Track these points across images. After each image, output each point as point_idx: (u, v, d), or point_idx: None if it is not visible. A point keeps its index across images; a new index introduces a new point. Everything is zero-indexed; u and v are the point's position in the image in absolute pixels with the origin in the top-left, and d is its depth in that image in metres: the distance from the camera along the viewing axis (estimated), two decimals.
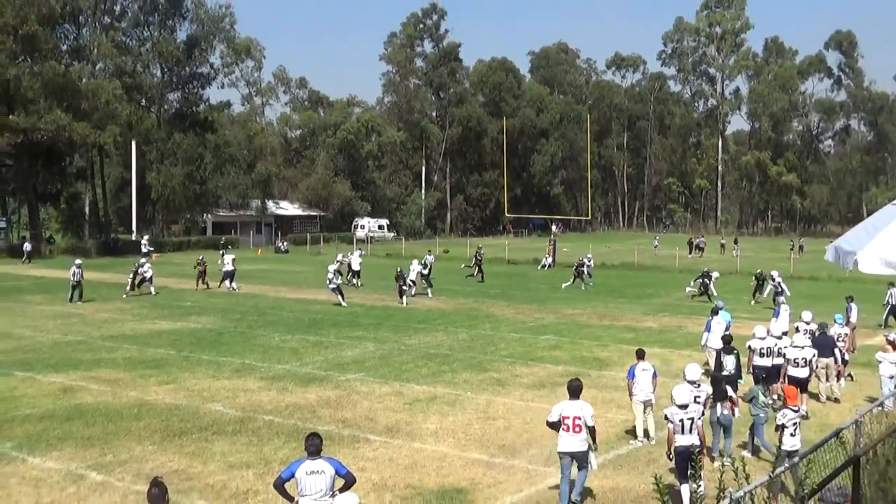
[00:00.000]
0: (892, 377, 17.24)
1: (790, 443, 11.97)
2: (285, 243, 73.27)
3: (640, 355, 14.92)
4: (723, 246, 74.84)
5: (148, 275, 37.40)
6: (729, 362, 16.35)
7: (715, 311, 20.79)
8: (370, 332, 27.18)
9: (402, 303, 34.50)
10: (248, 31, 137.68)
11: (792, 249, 65.10)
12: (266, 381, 19.46)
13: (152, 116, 79.99)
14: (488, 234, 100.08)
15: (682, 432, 11.72)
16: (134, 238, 70.13)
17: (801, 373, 16.91)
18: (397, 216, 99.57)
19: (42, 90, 63.22)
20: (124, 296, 36.39)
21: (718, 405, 14.08)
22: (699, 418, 11.88)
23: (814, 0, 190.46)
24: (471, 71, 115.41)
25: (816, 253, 50.66)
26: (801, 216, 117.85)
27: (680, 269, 46.86)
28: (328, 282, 34.16)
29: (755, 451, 14.14)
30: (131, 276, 37.65)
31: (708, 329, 20.36)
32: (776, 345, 17.42)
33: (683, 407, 11.80)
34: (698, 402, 12.58)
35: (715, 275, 38.11)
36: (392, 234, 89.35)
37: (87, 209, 75.65)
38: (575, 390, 11.91)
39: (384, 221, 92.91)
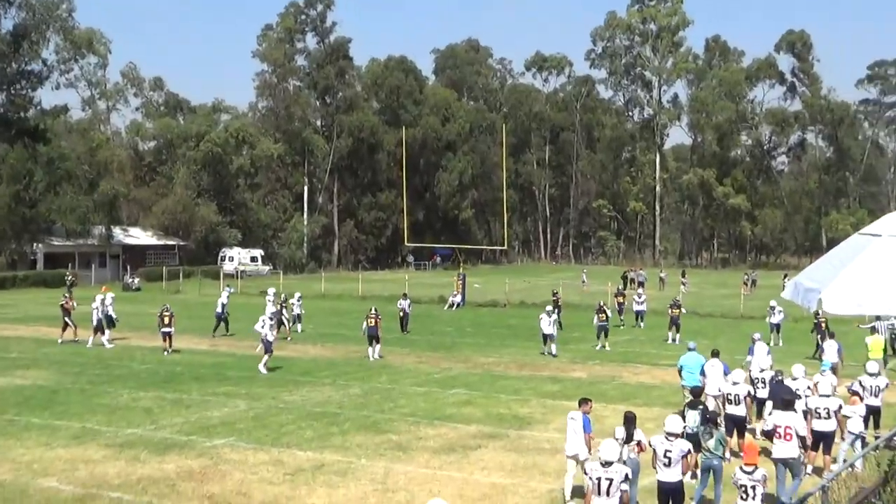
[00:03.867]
0: (858, 433, 17.60)
1: None
2: (136, 279, 72.15)
3: (580, 403, 15.27)
4: (662, 280, 73.25)
5: None
6: (691, 418, 16.08)
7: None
8: (242, 386, 26.87)
9: None
10: (90, 22, 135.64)
11: (746, 284, 65.12)
12: (113, 450, 19.10)
13: None
14: (384, 268, 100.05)
15: (599, 494, 11.76)
16: None
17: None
18: (274, 246, 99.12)
19: None
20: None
21: (625, 446, 14.37)
22: (622, 482, 11.83)
23: None
24: (363, 71, 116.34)
25: (772, 288, 51.95)
26: (751, 245, 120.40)
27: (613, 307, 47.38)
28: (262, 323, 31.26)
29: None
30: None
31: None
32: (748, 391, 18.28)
33: (607, 464, 11.83)
34: (668, 457, 12.86)
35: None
36: (268, 268, 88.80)
37: None
38: (788, 403, 15.79)
39: (258, 252, 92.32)
